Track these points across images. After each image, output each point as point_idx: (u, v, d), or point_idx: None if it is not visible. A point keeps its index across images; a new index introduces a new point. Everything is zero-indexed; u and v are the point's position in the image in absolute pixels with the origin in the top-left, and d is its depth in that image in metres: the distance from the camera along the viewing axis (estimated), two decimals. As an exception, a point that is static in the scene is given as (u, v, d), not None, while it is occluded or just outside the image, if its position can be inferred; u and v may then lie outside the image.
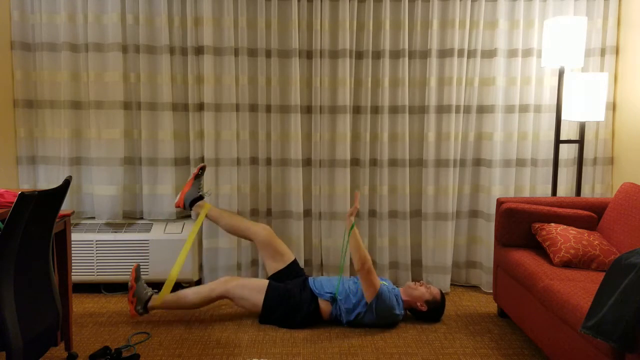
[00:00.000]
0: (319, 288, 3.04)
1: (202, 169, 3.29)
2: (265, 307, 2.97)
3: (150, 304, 2.98)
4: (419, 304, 3.05)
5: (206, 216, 3.24)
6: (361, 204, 3.57)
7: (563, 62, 3.17)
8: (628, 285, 1.89)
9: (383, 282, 3.09)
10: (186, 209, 3.28)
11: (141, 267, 3.40)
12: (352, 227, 2.92)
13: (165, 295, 2.99)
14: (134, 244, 3.38)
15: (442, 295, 3.10)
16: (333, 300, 3.00)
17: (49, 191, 2.06)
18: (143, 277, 3.38)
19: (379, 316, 2.96)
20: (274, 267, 3.17)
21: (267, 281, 3.03)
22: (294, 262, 3.20)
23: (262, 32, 3.42)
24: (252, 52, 3.48)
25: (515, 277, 2.80)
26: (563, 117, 3.34)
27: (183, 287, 3.55)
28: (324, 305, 3.01)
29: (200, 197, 3.26)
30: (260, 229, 3.19)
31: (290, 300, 2.97)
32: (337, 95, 3.47)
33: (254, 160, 3.58)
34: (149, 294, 3.00)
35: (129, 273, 3.39)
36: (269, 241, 3.17)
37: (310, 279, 3.11)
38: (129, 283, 3.00)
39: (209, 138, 3.46)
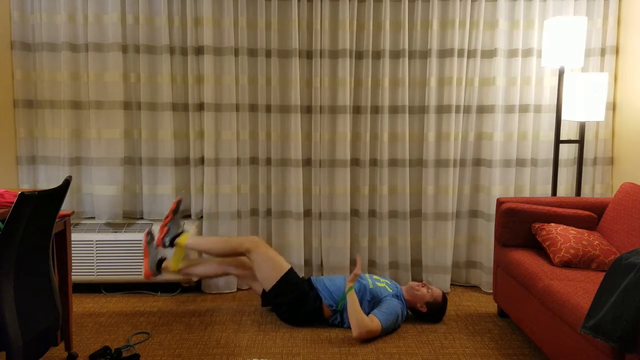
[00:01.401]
0: (322, 288, 3.04)
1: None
2: (274, 288, 2.97)
3: (177, 240, 3.10)
4: (419, 304, 3.05)
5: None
6: (361, 203, 3.57)
7: (563, 62, 3.17)
8: (628, 285, 1.89)
9: (385, 281, 3.10)
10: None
11: (141, 266, 3.39)
12: (349, 290, 2.89)
13: (178, 265, 3.09)
14: (134, 244, 3.38)
15: (444, 297, 3.09)
16: (334, 311, 3.00)
17: (49, 191, 2.06)
18: (142, 276, 3.37)
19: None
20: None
21: (289, 266, 3.04)
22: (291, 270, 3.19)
23: (262, 32, 3.42)
24: (252, 52, 3.48)
25: (515, 277, 2.80)
26: (563, 117, 3.34)
27: (183, 287, 3.55)
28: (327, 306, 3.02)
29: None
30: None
31: (302, 292, 2.97)
32: (337, 95, 3.47)
33: (254, 160, 3.58)
34: (181, 228, 3.15)
35: (129, 273, 3.38)
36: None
37: (313, 278, 3.13)
38: (167, 212, 3.19)
39: (209, 138, 3.46)
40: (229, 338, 2.86)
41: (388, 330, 2.92)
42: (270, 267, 2.99)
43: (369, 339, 2.85)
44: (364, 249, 3.60)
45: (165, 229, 3.10)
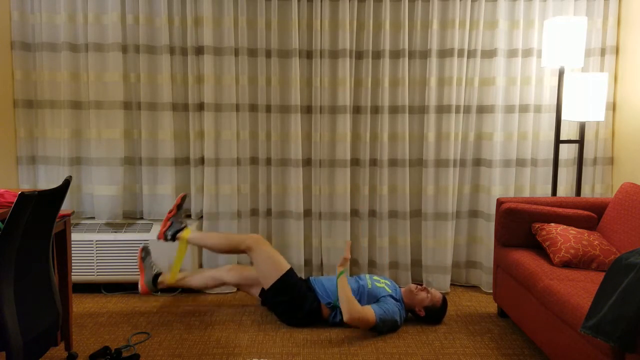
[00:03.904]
0: (320, 288, 3.04)
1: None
2: (273, 288, 2.98)
3: (179, 234, 3.14)
4: (417, 309, 3.04)
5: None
6: (361, 203, 3.57)
7: (563, 62, 3.17)
8: (628, 285, 1.89)
9: (385, 282, 3.09)
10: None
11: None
12: (340, 275, 2.90)
13: (176, 273, 3.13)
14: (134, 244, 3.38)
15: (444, 301, 3.07)
16: (333, 308, 3.00)
17: (49, 191, 2.06)
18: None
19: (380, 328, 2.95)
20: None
21: (289, 266, 3.05)
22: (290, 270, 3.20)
23: (262, 32, 3.42)
24: (252, 52, 3.48)
25: (515, 277, 2.80)
26: (563, 117, 3.34)
27: (182, 289, 3.55)
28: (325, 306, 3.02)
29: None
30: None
31: (300, 293, 2.97)
32: (337, 95, 3.47)
33: (254, 160, 3.58)
34: (183, 224, 3.16)
35: (129, 273, 3.38)
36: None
37: (311, 278, 3.13)
38: (172, 207, 3.20)
39: (209, 138, 3.46)
40: (229, 338, 2.86)
41: (386, 328, 2.91)
42: (270, 265, 2.99)
43: (364, 327, 2.86)
44: (364, 249, 3.60)
45: (169, 223, 3.15)
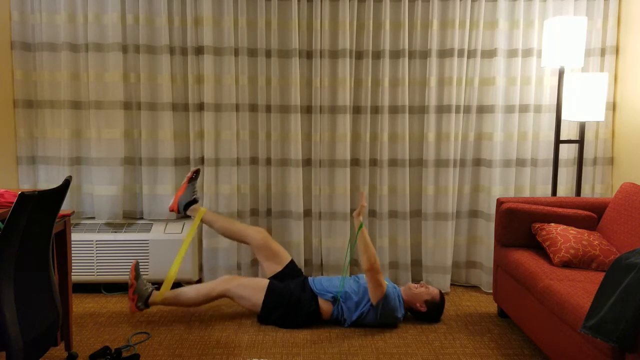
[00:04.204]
0: (320, 287, 3.04)
1: (197, 172, 3.27)
2: (265, 307, 2.97)
3: (150, 299, 3.00)
4: (418, 304, 3.05)
5: (201, 220, 3.23)
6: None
7: (563, 62, 3.17)
8: (628, 285, 1.89)
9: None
10: (180, 213, 3.25)
11: (141, 267, 3.40)
12: (360, 227, 2.92)
13: (166, 292, 3.01)
14: (134, 244, 3.38)
15: (442, 295, 3.10)
16: (335, 300, 3.00)
17: (49, 191, 2.06)
18: (143, 277, 3.37)
19: (381, 317, 2.96)
20: (272, 269, 3.17)
21: (267, 280, 3.04)
22: (291, 263, 3.20)
23: (262, 32, 3.42)
24: (252, 52, 3.48)
25: (515, 277, 2.80)
26: (563, 117, 3.34)
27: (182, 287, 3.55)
28: (325, 305, 3.01)
29: (195, 201, 3.25)
30: (254, 232, 3.18)
31: (292, 299, 2.97)
32: (337, 95, 3.47)
33: (254, 160, 3.58)
34: (149, 290, 3.01)
35: (129, 273, 3.38)
36: (264, 243, 3.17)
37: (310, 279, 3.12)
38: (129, 281, 3.01)
39: (209, 138, 3.46)
40: (229, 338, 2.86)
41: (386, 310, 2.93)
42: (250, 292, 2.98)
43: (376, 287, 2.88)
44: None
45: (135, 296, 2.99)
